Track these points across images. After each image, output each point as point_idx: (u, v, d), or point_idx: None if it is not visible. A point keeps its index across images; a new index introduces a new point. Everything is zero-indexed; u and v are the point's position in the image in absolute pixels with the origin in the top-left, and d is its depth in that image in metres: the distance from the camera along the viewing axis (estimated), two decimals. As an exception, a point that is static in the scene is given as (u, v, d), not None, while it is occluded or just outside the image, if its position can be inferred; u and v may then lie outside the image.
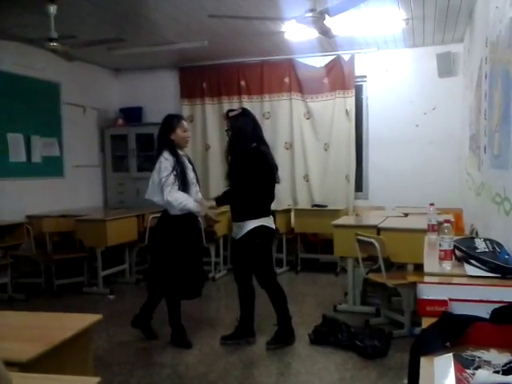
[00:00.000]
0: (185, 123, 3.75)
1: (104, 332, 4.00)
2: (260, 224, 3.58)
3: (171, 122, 3.70)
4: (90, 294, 5.27)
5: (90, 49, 4.83)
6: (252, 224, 3.57)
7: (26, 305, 4.89)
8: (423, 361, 1.33)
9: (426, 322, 1.59)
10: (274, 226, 3.72)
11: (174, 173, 3.55)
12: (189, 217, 3.67)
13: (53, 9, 3.99)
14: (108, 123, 7.16)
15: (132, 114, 7.11)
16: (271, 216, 3.71)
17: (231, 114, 3.66)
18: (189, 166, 3.73)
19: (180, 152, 3.69)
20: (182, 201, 3.55)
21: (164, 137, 3.67)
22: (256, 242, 3.59)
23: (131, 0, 4.36)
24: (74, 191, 6.46)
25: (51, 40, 3.96)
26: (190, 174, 3.70)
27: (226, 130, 3.70)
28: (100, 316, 1.83)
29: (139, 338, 3.89)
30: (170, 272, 3.65)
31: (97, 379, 1.28)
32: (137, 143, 7.03)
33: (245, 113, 3.69)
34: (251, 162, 3.53)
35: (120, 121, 7.09)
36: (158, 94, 7.18)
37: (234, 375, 3.24)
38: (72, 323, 1.76)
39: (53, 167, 6.14)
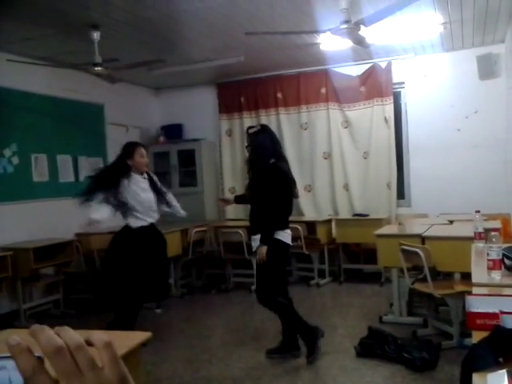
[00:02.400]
0: (142, 149, 4.02)
1: (151, 346, 4.08)
2: (273, 238, 3.63)
3: (128, 149, 3.99)
4: (137, 308, 5.39)
5: (131, 70, 5.00)
6: None
7: (78, 320, 5.06)
8: (475, 377, 1.31)
9: (477, 336, 1.56)
10: (288, 241, 3.73)
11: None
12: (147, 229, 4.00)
13: (96, 35, 4.19)
14: (150, 141, 7.34)
15: (173, 131, 7.28)
16: (287, 230, 3.73)
17: (251, 130, 3.80)
18: (142, 188, 3.97)
19: (136, 175, 3.94)
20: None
21: (122, 163, 3.95)
22: (267, 255, 3.64)
23: (169, 21, 4.50)
24: (119, 208, 6.64)
25: (95, 65, 4.14)
26: (142, 195, 3.95)
27: (246, 146, 3.87)
28: (149, 334, 1.88)
29: (185, 352, 3.96)
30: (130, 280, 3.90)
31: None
32: (178, 159, 7.18)
33: (264, 129, 3.81)
34: (268, 177, 3.62)
35: (161, 138, 7.27)
36: (197, 111, 7.32)
37: (281, 389, 3.25)
38: (123, 341, 1.81)
39: (99, 186, 6.35)
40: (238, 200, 4.10)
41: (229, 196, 4.09)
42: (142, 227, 3.98)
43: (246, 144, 3.90)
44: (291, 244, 3.79)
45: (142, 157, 3.98)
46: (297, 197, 3.93)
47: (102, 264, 4.15)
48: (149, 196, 4.00)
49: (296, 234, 5.91)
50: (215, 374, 3.53)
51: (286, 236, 3.69)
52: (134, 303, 3.99)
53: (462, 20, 4.95)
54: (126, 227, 4.00)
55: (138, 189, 3.92)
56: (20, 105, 5.28)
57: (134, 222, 3.95)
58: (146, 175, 4.05)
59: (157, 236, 4.16)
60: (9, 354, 0.45)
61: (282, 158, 3.77)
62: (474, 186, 5.94)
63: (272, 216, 3.60)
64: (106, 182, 3.86)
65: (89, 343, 0.47)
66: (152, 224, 4.06)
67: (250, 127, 3.87)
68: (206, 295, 5.97)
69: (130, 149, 3.97)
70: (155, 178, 4.18)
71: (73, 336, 0.47)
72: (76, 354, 0.46)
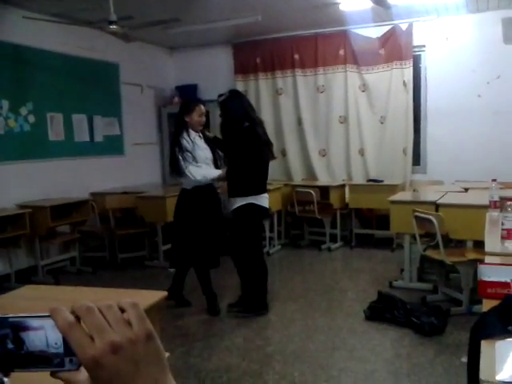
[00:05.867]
0: (202, 108, 3.90)
1: (164, 304, 4.18)
2: (247, 202, 3.68)
3: (188, 105, 3.90)
4: (151, 268, 5.51)
5: (147, 29, 4.92)
6: (239, 202, 3.71)
7: (93, 277, 5.20)
8: (484, 344, 1.33)
9: (487, 305, 1.58)
10: (265, 205, 3.77)
11: (189, 151, 3.78)
12: (205, 189, 3.87)
13: (111, -8, 4.09)
14: (165, 101, 7.31)
15: (188, 92, 7.20)
16: (263, 195, 3.76)
17: (220, 98, 3.78)
18: (202, 146, 3.89)
19: (194, 133, 3.87)
20: (204, 173, 3.78)
21: (180, 118, 3.88)
22: (241, 219, 3.72)
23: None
24: (133, 168, 6.71)
25: (111, 23, 4.07)
26: (201, 154, 3.85)
27: (220, 115, 3.87)
28: (164, 293, 1.93)
29: (198, 310, 4.06)
30: (193, 244, 3.87)
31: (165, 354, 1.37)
32: (192, 120, 7.15)
33: (233, 95, 3.80)
34: (240, 140, 3.64)
35: (176, 98, 7.20)
36: (213, 71, 7.23)
37: (291, 348, 3.33)
38: (139, 299, 1.85)
39: (114, 146, 6.39)
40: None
41: None
42: (197, 187, 3.85)
43: (219, 113, 3.89)
44: (267, 207, 3.84)
45: (200, 116, 3.88)
46: (273, 158, 3.95)
47: (173, 228, 4.11)
48: (205, 153, 3.90)
49: (309, 198, 5.95)
50: (227, 332, 3.63)
51: (261, 200, 3.74)
52: (206, 261, 3.99)
53: (488, -20, 4.75)
54: (183, 190, 3.95)
55: (195, 146, 3.83)
56: (35, 63, 5.26)
57: (188, 183, 3.87)
58: (200, 134, 3.97)
59: (213, 195, 4.01)
60: (47, 314, 0.50)
61: (256, 122, 3.76)
62: (491, 154, 5.84)
63: (246, 180, 3.67)
64: (173, 144, 3.88)
65: (120, 308, 0.52)
66: (209, 184, 3.94)
67: (220, 95, 3.83)
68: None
69: (189, 105, 3.91)
70: (211, 135, 4.07)
71: (104, 301, 0.51)
72: (106, 312, 0.50)
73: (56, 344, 0.50)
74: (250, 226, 3.79)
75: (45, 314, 0.50)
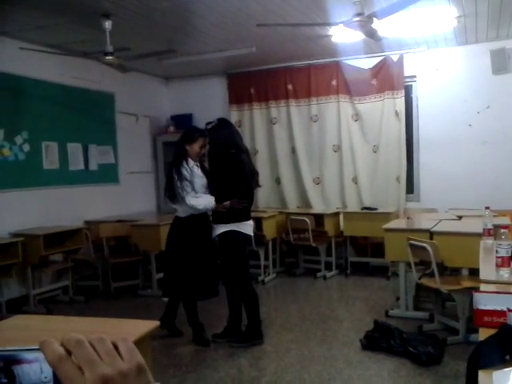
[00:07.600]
0: (204, 140, 3.88)
1: (157, 333, 4.12)
2: (229, 229, 3.69)
3: (192, 135, 3.89)
4: (144, 297, 5.45)
5: (142, 59, 5.00)
6: (221, 228, 3.73)
7: (86, 306, 5.12)
8: (481, 374, 1.32)
9: (484, 334, 1.57)
10: (247, 231, 3.77)
11: (188, 181, 3.77)
12: (198, 217, 3.84)
13: (108, 24, 4.19)
14: (160, 130, 7.37)
15: (183, 121, 7.27)
16: (246, 222, 3.77)
17: (209, 126, 3.84)
18: (199, 174, 3.88)
19: (192, 161, 3.86)
20: (205, 203, 3.76)
21: (181, 146, 3.88)
22: (224, 246, 3.74)
23: (181, 11, 4.49)
24: (128, 197, 6.70)
25: (107, 54, 4.14)
26: (198, 181, 3.83)
27: (208, 143, 3.89)
28: (157, 323, 1.90)
29: (190, 340, 3.99)
30: (183, 274, 3.83)
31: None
32: (187, 149, 7.19)
33: (221, 124, 3.85)
34: (225, 166, 3.70)
35: (171, 128, 7.27)
36: (207, 101, 7.31)
37: (286, 379, 3.27)
38: (132, 329, 1.84)
39: (108, 174, 6.40)
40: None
41: None
42: (192, 216, 3.82)
43: (207, 140, 3.91)
44: (251, 235, 3.86)
45: (201, 147, 3.87)
46: (257, 186, 3.98)
47: (165, 258, 4.05)
48: (202, 181, 3.86)
49: (304, 226, 5.94)
50: (221, 363, 3.56)
51: (242, 227, 3.75)
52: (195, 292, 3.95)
53: (476, 13, 4.89)
54: (177, 217, 3.93)
55: (193, 173, 3.81)
56: (32, 93, 5.30)
57: (183, 211, 3.84)
58: (198, 163, 3.96)
59: (206, 224, 3.94)
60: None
61: (241, 149, 3.82)
62: (483, 182, 5.90)
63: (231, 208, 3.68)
64: (171, 170, 3.86)
65: (113, 344, 0.51)
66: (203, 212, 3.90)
67: (208, 123, 3.89)
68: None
69: (193, 135, 3.88)
70: (206, 165, 4.04)
71: (96, 334, 0.51)
72: (97, 345, 0.50)
73: (46, 378, 0.49)
74: (233, 253, 3.77)
75: (36, 347, 0.49)
